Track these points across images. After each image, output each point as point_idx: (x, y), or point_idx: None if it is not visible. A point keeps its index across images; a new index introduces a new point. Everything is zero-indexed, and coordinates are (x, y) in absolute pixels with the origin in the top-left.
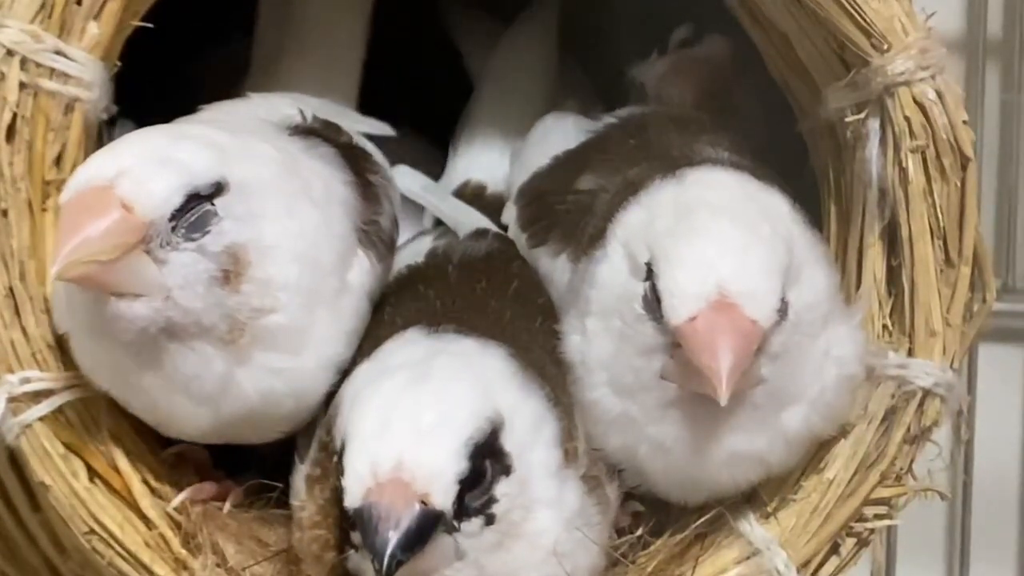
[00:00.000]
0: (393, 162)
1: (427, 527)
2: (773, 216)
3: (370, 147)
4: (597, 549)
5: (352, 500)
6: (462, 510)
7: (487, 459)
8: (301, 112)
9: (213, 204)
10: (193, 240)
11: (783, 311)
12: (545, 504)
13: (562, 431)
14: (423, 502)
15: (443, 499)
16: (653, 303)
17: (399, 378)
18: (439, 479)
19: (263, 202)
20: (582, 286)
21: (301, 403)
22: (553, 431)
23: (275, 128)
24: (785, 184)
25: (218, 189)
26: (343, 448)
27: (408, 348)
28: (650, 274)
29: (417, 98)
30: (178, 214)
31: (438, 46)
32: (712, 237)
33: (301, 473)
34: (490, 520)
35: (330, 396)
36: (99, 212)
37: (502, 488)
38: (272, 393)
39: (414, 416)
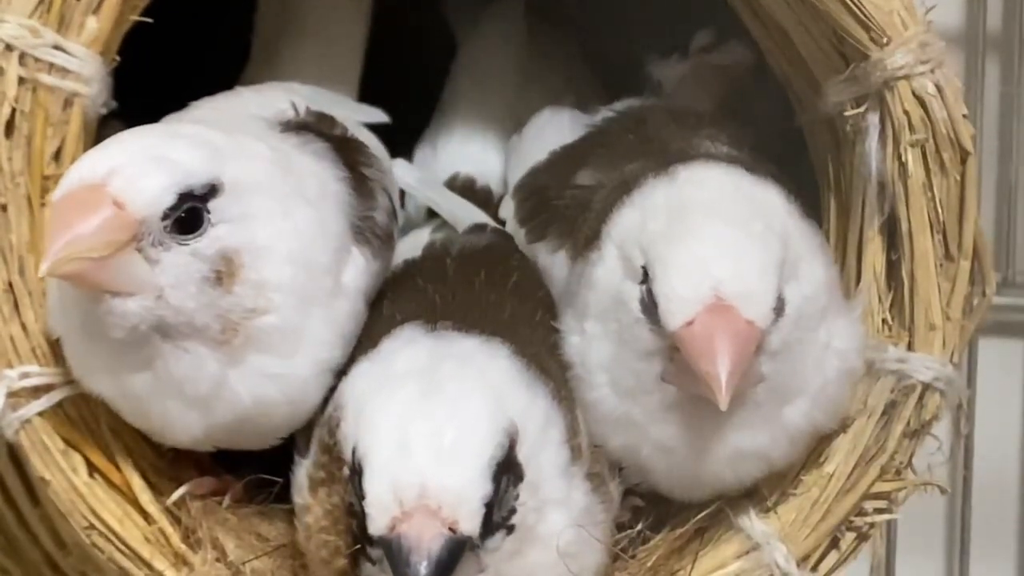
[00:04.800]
0: (391, 156)
1: (457, 553)
2: (767, 211)
3: (367, 137)
4: (601, 547)
5: (377, 528)
6: (487, 529)
7: (505, 474)
8: (294, 105)
9: (207, 205)
10: (186, 242)
11: (780, 309)
12: (555, 504)
13: (567, 428)
14: (451, 528)
15: (471, 525)
16: (650, 307)
17: (409, 389)
18: (466, 505)
19: (257, 203)
20: (579, 287)
21: (295, 410)
22: (560, 429)
23: (267, 124)
24: (786, 177)
25: (212, 190)
26: (360, 468)
27: (410, 350)
28: (646, 277)
29: (417, 92)
30: (171, 213)
31: (438, 40)
32: (705, 239)
33: (303, 469)
34: (510, 530)
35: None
36: (90, 209)
37: (518, 497)
38: (265, 399)
39: (433, 435)
